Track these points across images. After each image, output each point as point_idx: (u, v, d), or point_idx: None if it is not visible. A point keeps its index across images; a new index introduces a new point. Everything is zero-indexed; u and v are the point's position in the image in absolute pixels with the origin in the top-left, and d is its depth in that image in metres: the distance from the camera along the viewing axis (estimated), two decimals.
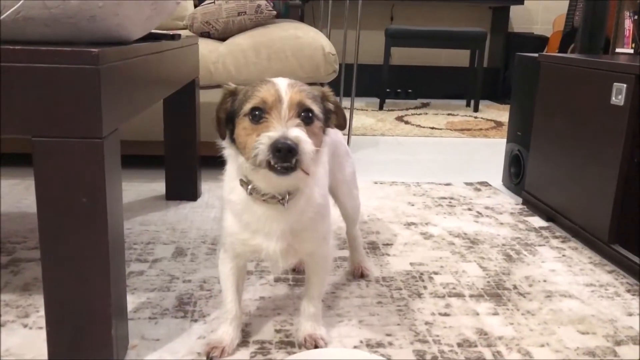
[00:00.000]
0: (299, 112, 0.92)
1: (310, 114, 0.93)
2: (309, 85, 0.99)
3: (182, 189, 2.03)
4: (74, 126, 0.91)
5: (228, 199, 1.05)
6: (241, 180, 0.99)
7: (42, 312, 1.16)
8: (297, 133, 0.88)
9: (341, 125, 1.05)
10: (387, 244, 1.69)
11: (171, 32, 1.58)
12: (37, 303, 1.26)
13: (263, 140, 0.87)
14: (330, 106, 1.02)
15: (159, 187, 2.13)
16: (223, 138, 1.00)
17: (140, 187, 2.15)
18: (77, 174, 0.93)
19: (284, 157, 0.86)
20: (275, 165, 0.87)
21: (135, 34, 1.14)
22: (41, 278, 0.98)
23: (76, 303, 0.98)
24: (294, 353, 1.08)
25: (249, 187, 0.98)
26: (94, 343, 1.00)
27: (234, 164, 1.01)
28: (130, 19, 1.08)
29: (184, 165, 2.02)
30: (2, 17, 0.95)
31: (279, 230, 1.01)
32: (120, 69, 1.02)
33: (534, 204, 2.03)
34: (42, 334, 1.06)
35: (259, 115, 0.91)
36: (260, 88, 0.93)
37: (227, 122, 0.98)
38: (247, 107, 0.92)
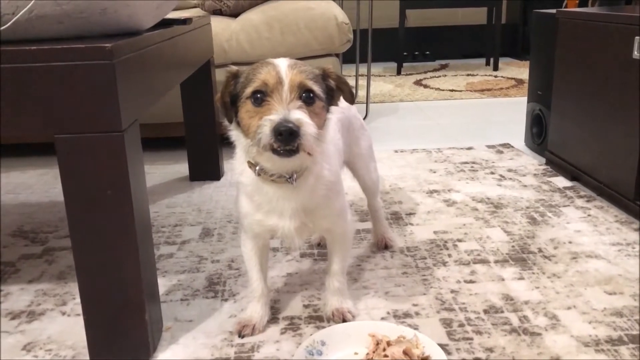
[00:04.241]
0: (300, 94, 0.92)
1: (312, 95, 0.94)
2: (311, 65, 0.99)
3: (205, 169, 2.06)
4: (94, 121, 0.93)
5: (239, 181, 1.07)
6: (249, 162, 1.01)
7: (78, 300, 1.20)
8: (298, 115, 0.89)
9: (349, 100, 1.05)
10: (410, 214, 1.70)
11: (182, 17, 1.58)
12: (73, 291, 1.31)
13: (265, 123, 0.88)
14: (332, 83, 1.01)
15: (182, 168, 2.16)
16: (230, 121, 1.00)
17: (164, 170, 2.18)
18: (101, 168, 0.96)
19: (286, 140, 0.87)
20: (278, 149, 0.89)
21: (147, 23, 1.15)
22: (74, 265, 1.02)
23: (110, 290, 1.02)
24: (323, 327, 1.11)
25: (257, 168, 0.99)
26: (129, 328, 1.04)
27: (241, 145, 1.02)
28: (142, 9, 1.09)
29: (205, 145, 2.04)
30: (16, 17, 0.96)
31: (290, 209, 1.03)
32: (135, 60, 1.03)
33: (557, 164, 2.01)
34: (80, 321, 1.11)
35: (260, 98, 0.92)
36: (261, 70, 0.93)
37: (231, 105, 0.99)
38: (249, 90, 0.93)
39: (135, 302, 1.03)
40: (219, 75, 2.18)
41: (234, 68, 1.00)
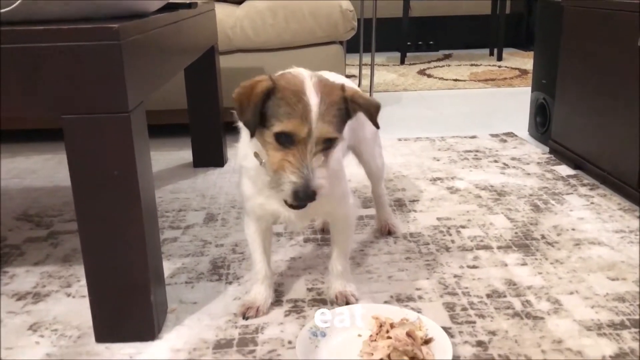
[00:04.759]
0: (324, 144, 0.93)
1: (334, 140, 0.95)
2: (333, 82, 0.98)
3: (209, 156, 2.06)
4: (101, 102, 0.93)
5: (242, 165, 1.08)
6: (255, 153, 1.01)
7: (83, 282, 1.21)
8: (319, 180, 0.91)
9: (375, 125, 1.03)
10: (414, 201, 1.70)
11: (187, 1, 1.58)
12: (78, 273, 1.31)
13: (286, 181, 0.91)
14: (356, 108, 0.98)
15: (186, 155, 2.16)
16: (252, 135, 0.96)
17: (168, 156, 2.19)
18: (107, 148, 0.96)
19: (304, 202, 0.93)
20: (294, 204, 0.94)
21: (153, 5, 1.15)
22: (80, 249, 1.02)
23: (115, 271, 1.03)
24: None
25: (263, 161, 1.00)
26: (135, 309, 1.05)
27: (248, 137, 1.01)
28: None
29: (209, 132, 2.04)
30: None
31: None
32: (141, 42, 1.03)
33: (561, 153, 2.01)
34: (86, 302, 1.11)
35: (286, 140, 0.92)
36: (295, 111, 0.91)
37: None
38: (277, 128, 0.91)
39: (141, 283, 1.04)
40: (224, 62, 2.18)
41: (270, 81, 0.93)
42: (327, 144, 0.94)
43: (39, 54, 0.91)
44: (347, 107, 0.97)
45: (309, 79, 0.95)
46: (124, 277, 1.03)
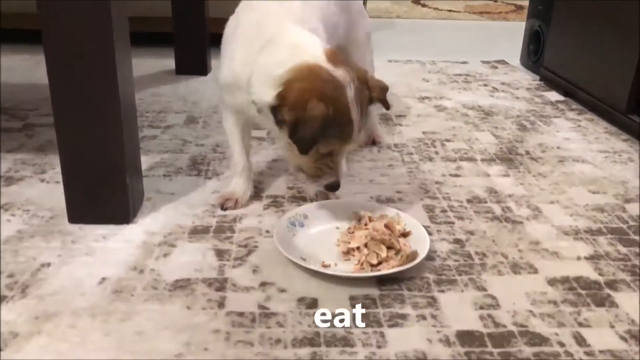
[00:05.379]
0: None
1: None
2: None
3: (192, 64, 2.00)
4: None
5: (225, 56, 1.07)
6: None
7: (58, 169, 1.17)
8: (344, 172, 1.00)
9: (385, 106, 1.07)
10: (400, 116, 1.67)
11: None
12: (53, 162, 1.28)
13: (321, 182, 1.00)
14: (375, 99, 1.01)
15: (168, 62, 2.09)
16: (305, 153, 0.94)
17: (149, 63, 2.11)
18: (85, 27, 0.91)
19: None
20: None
21: None
22: (55, 141, 0.99)
23: (90, 153, 1.00)
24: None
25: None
26: (109, 192, 1.02)
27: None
28: None
29: (193, 40, 1.97)
30: None
31: None
32: None
33: (552, 80, 1.98)
34: (60, 188, 1.08)
35: (326, 154, 0.97)
36: (343, 134, 0.94)
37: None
38: (324, 148, 0.95)
39: (117, 165, 1.01)
40: None
41: (324, 106, 0.89)
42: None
43: None
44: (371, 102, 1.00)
45: (349, 87, 0.92)
46: (100, 159, 1.00)
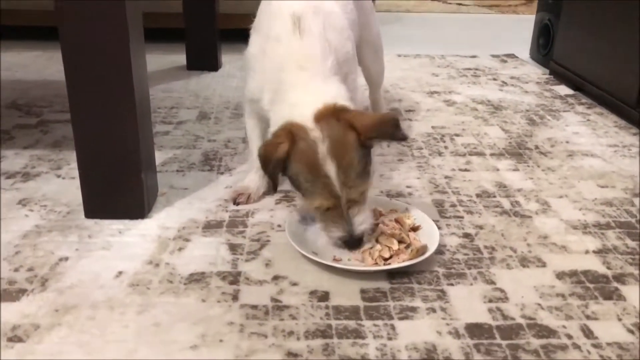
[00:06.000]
0: (356, 200, 0.92)
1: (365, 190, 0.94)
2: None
3: (203, 60, 2.01)
4: None
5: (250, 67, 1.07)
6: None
7: (73, 165, 1.20)
8: (360, 226, 0.93)
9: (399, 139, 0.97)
10: (410, 110, 1.68)
11: None
12: (68, 157, 1.30)
13: (333, 237, 0.95)
14: (374, 140, 0.93)
15: (179, 58, 2.11)
16: (275, 191, 1.00)
17: (160, 59, 2.14)
18: (101, 30, 0.93)
19: (355, 247, 0.96)
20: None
21: None
22: (71, 136, 1.01)
23: (107, 149, 1.02)
24: None
25: None
26: (125, 187, 1.05)
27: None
28: None
29: (204, 36, 1.99)
30: None
31: None
32: None
33: (561, 74, 1.98)
34: (76, 183, 1.11)
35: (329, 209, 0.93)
36: (318, 190, 0.90)
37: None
38: (308, 204, 0.94)
39: (132, 160, 1.03)
40: None
41: (288, 146, 0.89)
42: (360, 195, 0.93)
43: None
44: (366, 144, 0.91)
45: (322, 143, 0.88)
46: (116, 155, 1.03)
